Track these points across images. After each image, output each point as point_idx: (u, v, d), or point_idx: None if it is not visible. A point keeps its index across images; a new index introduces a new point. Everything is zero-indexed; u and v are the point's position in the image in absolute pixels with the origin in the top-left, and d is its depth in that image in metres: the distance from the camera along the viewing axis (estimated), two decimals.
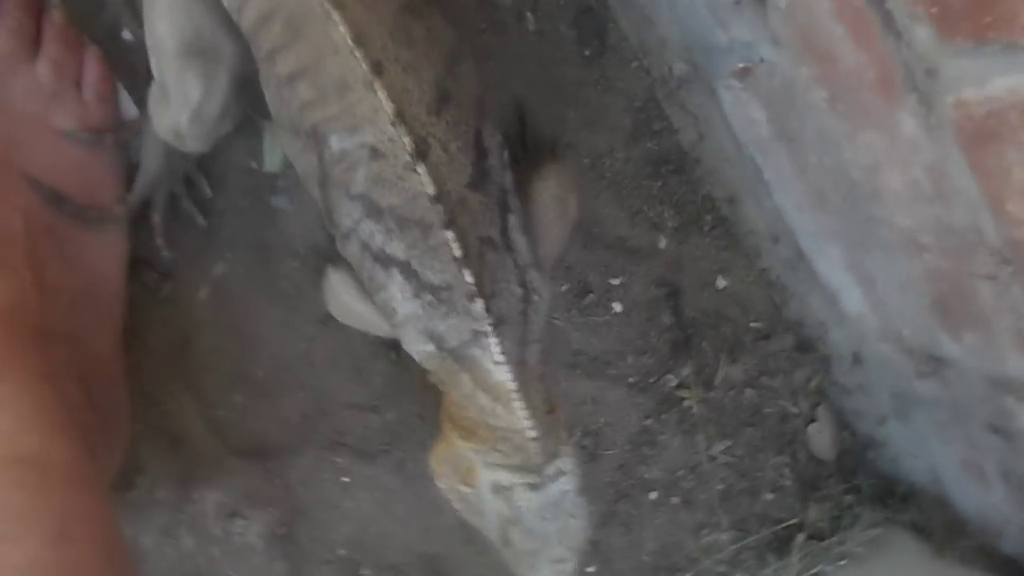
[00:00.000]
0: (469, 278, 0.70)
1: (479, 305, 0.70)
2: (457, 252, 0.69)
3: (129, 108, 0.93)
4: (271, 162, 1.00)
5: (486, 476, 0.72)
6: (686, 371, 1.19)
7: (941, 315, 0.86)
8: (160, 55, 0.78)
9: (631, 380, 1.17)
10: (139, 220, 0.93)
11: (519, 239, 0.76)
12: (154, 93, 0.83)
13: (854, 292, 0.99)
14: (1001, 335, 0.79)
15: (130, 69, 0.92)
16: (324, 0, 0.67)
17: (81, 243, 0.86)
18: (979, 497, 1.08)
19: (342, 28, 0.67)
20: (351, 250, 0.78)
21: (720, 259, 1.18)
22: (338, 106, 0.71)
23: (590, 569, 1.20)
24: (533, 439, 0.71)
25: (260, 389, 1.03)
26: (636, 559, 1.21)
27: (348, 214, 0.75)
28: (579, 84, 1.07)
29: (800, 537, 1.25)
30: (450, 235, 0.69)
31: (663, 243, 1.15)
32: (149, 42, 0.78)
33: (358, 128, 0.70)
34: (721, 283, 1.19)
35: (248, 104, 0.85)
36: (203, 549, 1.02)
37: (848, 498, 1.26)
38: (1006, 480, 1.00)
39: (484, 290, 0.71)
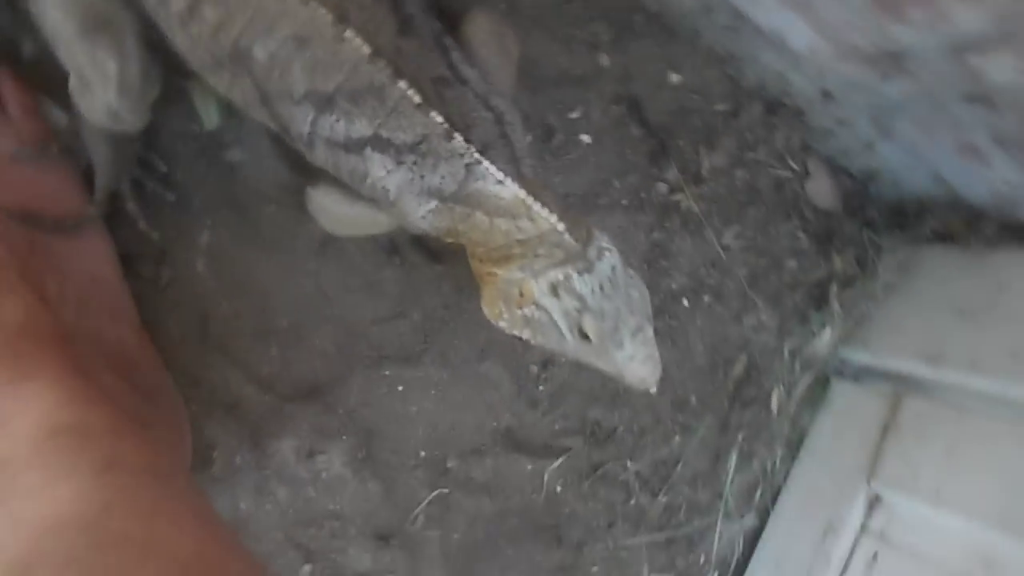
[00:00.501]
0: (438, 118, 0.71)
1: (459, 139, 0.72)
2: (416, 99, 0.71)
3: (58, 115, 0.93)
4: (209, 119, 1.01)
5: (539, 284, 0.74)
6: (672, 175, 1.21)
7: (881, 4, 0.87)
8: (65, 44, 0.78)
9: (624, 203, 1.19)
10: (115, 214, 0.95)
11: (469, 71, 0.77)
12: (74, 86, 0.84)
13: (797, 24, 0.99)
14: None
15: (44, 79, 0.92)
16: None
17: (68, 251, 0.88)
18: (984, 178, 1.10)
19: None
20: (320, 154, 0.80)
21: (665, 55, 1.18)
22: (246, 13, 0.71)
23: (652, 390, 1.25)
24: (565, 230, 0.73)
25: (289, 336, 1.07)
26: (692, 366, 1.25)
27: (303, 119, 0.76)
28: None
29: (833, 287, 1.29)
30: (403, 85, 0.70)
31: (605, 60, 1.15)
32: (51, 35, 0.79)
33: (275, 24, 0.71)
34: (674, 78, 1.19)
35: (164, 65, 0.86)
36: (298, 494, 1.07)
37: (865, 235, 1.29)
38: (1002, 146, 1.02)
39: (457, 124, 0.72)
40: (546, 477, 1.16)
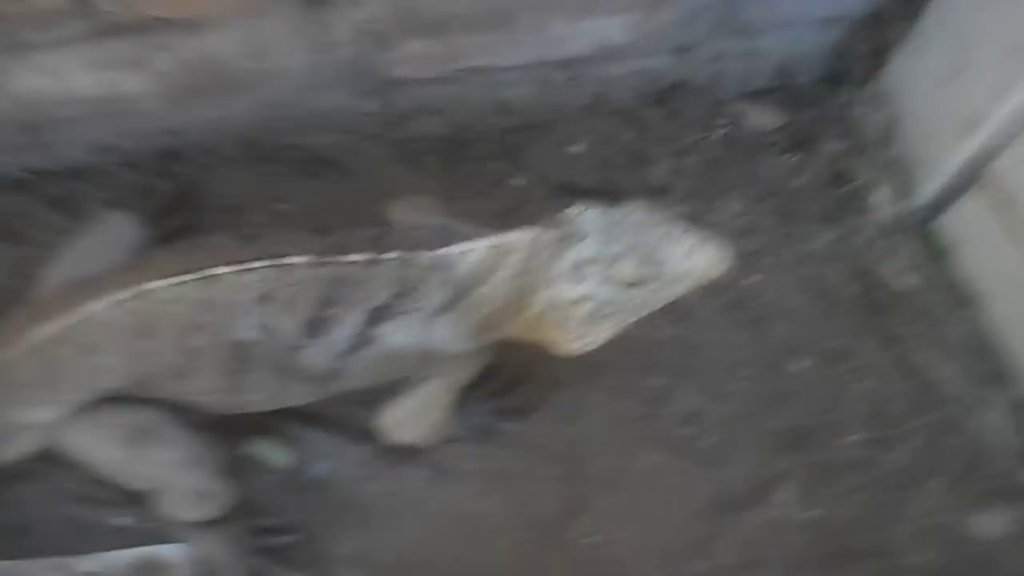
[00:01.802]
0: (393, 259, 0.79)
1: (421, 255, 0.79)
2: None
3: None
4: (282, 460, 1.05)
5: (562, 285, 0.76)
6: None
7: None
8: (118, 464, 0.85)
9: None
10: None
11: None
12: (158, 498, 0.89)
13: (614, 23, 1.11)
14: None
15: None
16: None
17: None
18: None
19: None
20: (358, 364, 0.83)
21: (562, 136, 1.30)
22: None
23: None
24: (534, 232, 0.76)
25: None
26: None
27: (321, 353, 0.81)
28: None
29: (847, 162, 1.28)
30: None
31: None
32: (99, 466, 0.85)
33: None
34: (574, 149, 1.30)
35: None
36: None
37: (828, 109, 1.32)
38: None
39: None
40: None
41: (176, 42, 1.00)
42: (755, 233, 1.26)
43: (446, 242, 0.78)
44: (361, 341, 0.81)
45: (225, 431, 0.98)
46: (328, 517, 1.03)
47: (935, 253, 1.22)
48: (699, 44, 1.23)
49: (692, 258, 0.72)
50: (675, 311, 1.19)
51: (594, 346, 0.81)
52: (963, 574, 1.03)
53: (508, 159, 1.30)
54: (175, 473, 0.86)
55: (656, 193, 1.26)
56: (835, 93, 1.32)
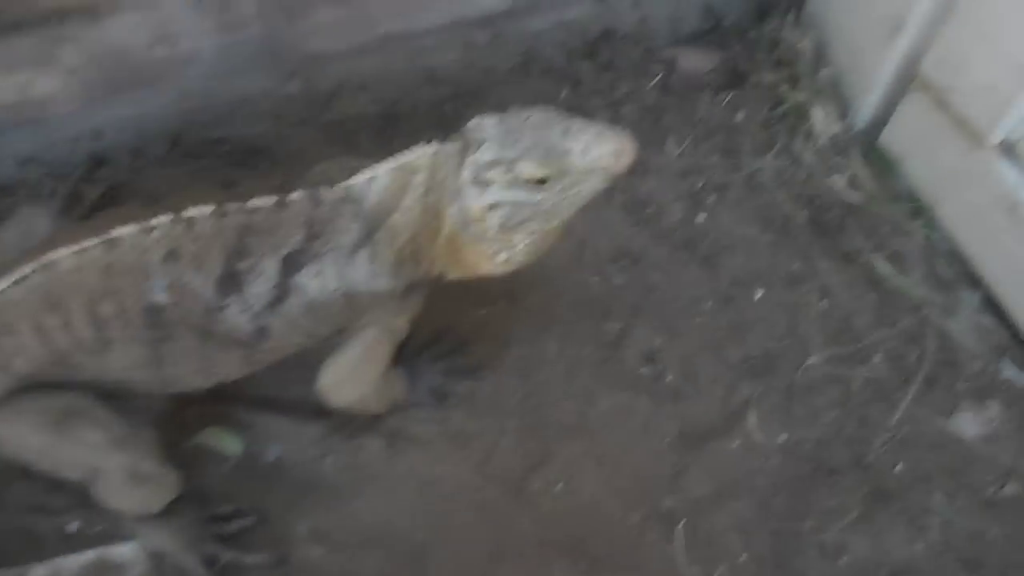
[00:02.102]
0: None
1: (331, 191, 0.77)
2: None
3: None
4: (233, 447, 1.02)
5: (468, 198, 0.75)
6: None
7: None
8: (47, 451, 0.81)
9: None
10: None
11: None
12: (90, 483, 0.85)
13: None
14: None
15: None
16: None
17: None
18: None
19: None
20: (283, 320, 0.80)
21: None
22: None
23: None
24: (434, 147, 0.75)
25: (439, 533, 0.97)
26: None
27: (241, 312, 0.78)
28: None
29: (785, 88, 1.26)
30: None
31: None
32: (29, 456, 0.82)
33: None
34: None
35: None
36: None
37: (755, 41, 1.31)
38: None
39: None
40: None
41: (77, 32, 0.98)
42: (699, 173, 1.24)
43: (350, 174, 0.76)
44: (281, 293, 0.78)
45: (174, 423, 0.96)
46: (285, 499, 0.99)
47: (882, 168, 1.20)
48: None
49: (594, 149, 0.70)
50: (626, 257, 1.17)
51: (518, 261, 0.79)
52: (948, 476, 0.99)
53: (443, 129, 1.27)
54: (105, 454, 0.83)
55: None
56: (763, 25, 1.31)
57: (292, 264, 0.77)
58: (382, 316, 0.85)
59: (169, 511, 0.91)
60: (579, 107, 1.28)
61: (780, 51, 1.30)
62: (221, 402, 1.00)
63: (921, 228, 1.15)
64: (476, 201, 0.74)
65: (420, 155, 0.75)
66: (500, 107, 1.29)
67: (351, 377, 0.89)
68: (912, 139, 1.15)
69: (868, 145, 1.21)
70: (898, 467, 1.00)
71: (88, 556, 0.94)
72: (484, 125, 0.73)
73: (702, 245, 1.18)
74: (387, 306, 0.84)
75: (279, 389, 1.02)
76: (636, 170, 1.23)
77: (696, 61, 1.34)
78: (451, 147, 0.75)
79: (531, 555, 0.95)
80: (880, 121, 1.20)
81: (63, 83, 1.04)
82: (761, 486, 0.99)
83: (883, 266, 1.13)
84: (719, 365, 1.08)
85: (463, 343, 1.06)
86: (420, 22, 1.15)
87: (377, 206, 0.76)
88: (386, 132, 1.26)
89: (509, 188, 0.72)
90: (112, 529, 0.94)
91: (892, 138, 1.19)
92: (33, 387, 0.81)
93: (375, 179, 0.75)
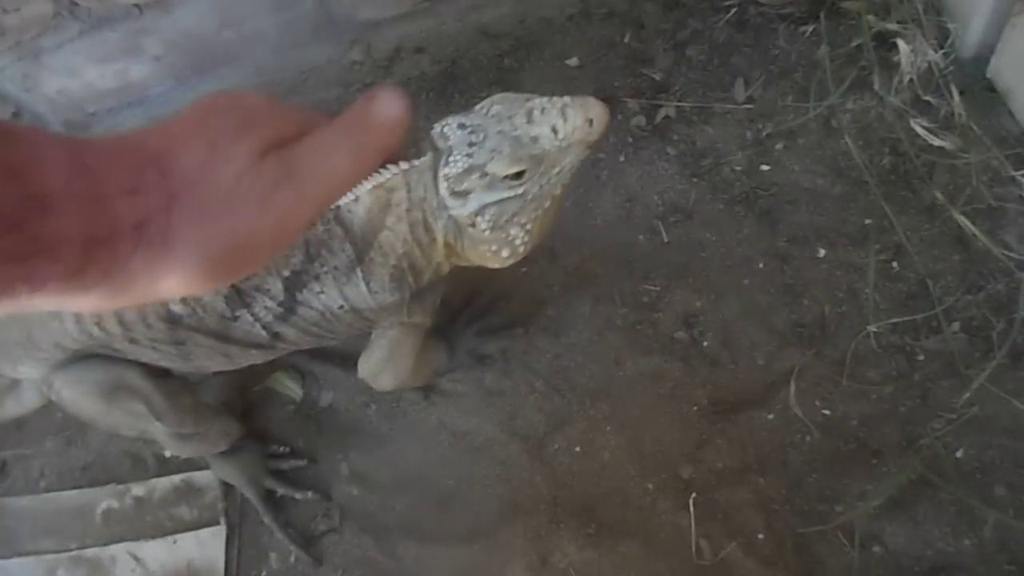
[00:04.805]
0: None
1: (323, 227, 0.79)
2: None
3: None
4: (295, 392, 1.14)
5: (453, 209, 0.73)
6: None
7: None
8: (100, 416, 0.92)
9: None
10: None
11: None
12: (167, 448, 0.99)
13: None
14: None
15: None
16: None
17: None
18: None
19: None
20: (297, 328, 0.84)
21: None
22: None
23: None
24: (405, 164, 0.71)
25: (462, 486, 1.02)
26: None
27: (255, 323, 0.83)
28: None
29: (865, 22, 1.10)
30: None
31: None
32: (84, 417, 0.94)
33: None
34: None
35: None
36: None
37: None
38: None
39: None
40: None
41: (154, 23, 1.10)
42: (767, 118, 1.14)
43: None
44: (289, 308, 0.82)
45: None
46: (333, 441, 1.09)
47: (984, 106, 1.02)
48: None
49: (562, 128, 0.67)
50: (678, 213, 1.12)
51: (525, 250, 0.77)
52: (1016, 468, 0.87)
53: (503, 84, 1.28)
54: (148, 422, 0.94)
55: (657, 92, 1.19)
56: None
57: (295, 283, 0.81)
58: (398, 319, 0.87)
59: (235, 448, 1.04)
60: (641, 51, 1.22)
61: None
62: None
63: None
64: (461, 211, 0.73)
65: (392, 174, 0.72)
66: (561, 56, 1.30)
67: (385, 369, 0.92)
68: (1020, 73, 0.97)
69: (970, 79, 1.04)
70: (958, 453, 0.89)
71: (176, 479, 1.12)
72: (447, 132, 0.71)
73: (762, 199, 1.09)
74: (400, 312, 0.85)
75: None
76: (694, 119, 1.18)
77: None
78: (421, 163, 0.72)
79: (542, 513, 0.97)
80: (987, 50, 1.02)
81: (152, 68, 1.18)
82: (793, 463, 0.93)
83: (972, 224, 0.98)
84: (763, 331, 1.01)
85: (496, 300, 1.08)
86: None
87: (365, 226, 0.77)
88: (448, 89, 1.28)
89: (489, 190, 0.71)
90: (197, 458, 1.10)
91: (999, 70, 1.01)
92: (88, 356, 0.90)
93: (359, 200, 0.75)
